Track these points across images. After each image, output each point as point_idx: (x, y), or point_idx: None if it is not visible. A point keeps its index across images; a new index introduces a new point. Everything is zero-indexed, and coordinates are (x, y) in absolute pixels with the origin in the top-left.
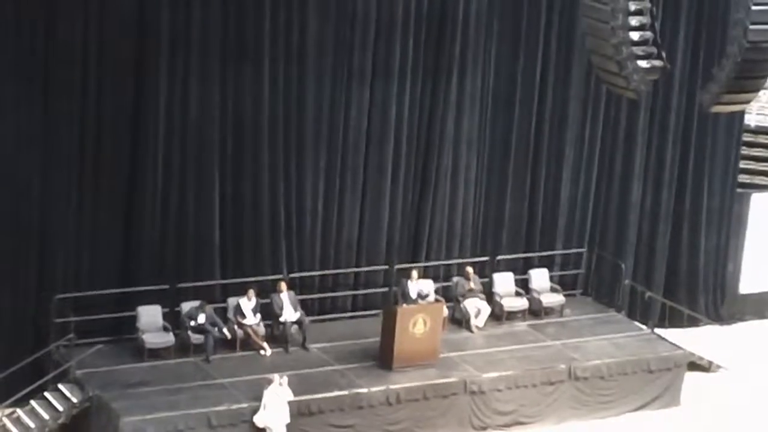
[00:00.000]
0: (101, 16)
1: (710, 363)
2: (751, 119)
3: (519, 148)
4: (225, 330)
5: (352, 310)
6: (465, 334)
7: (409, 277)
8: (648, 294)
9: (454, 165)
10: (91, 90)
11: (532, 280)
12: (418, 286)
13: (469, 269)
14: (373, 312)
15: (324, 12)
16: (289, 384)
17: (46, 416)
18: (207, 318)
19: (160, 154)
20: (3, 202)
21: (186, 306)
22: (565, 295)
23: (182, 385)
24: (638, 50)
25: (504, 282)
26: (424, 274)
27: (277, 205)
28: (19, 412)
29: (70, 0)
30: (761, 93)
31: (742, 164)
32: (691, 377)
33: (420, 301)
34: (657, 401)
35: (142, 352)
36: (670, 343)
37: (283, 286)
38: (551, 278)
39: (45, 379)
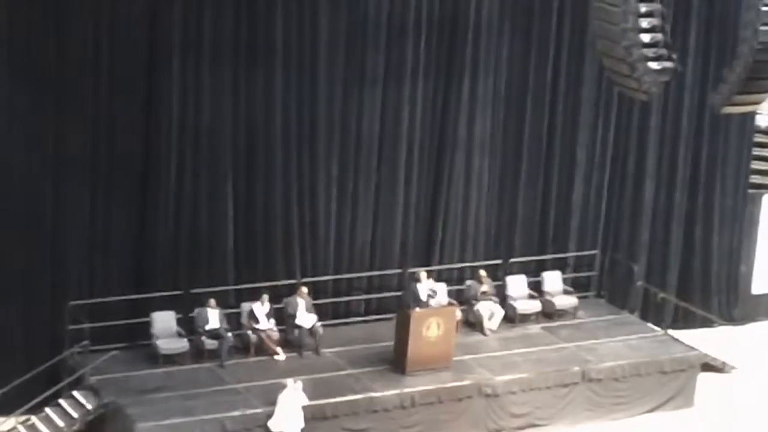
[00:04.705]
0: (114, 21)
1: (724, 364)
2: (762, 120)
3: (531, 150)
4: (229, 335)
5: (366, 314)
6: (478, 337)
7: (417, 279)
8: (661, 295)
9: (467, 168)
10: (103, 97)
11: (545, 282)
12: (428, 286)
13: (482, 272)
14: (386, 316)
15: (335, 16)
16: (304, 388)
17: (61, 423)
18: (219, 317)
19: (173, 159)
20: (16, 209)
21: (198, 311)
22: (578, 297)
23: (197, 390)
24: (649, 52)
25: (517, 285)
26: (437, 278)
27: (290, 209)
28: (34, 419)
29: (83, 5)
30: None
31: (754, 165)
32: (704, 378)
33: (431, 294)
34: (671, 402)
35: (156, 358)
36: (684, 344)
37: (304, 290)
38: (564, 280)
39: (60, 385)
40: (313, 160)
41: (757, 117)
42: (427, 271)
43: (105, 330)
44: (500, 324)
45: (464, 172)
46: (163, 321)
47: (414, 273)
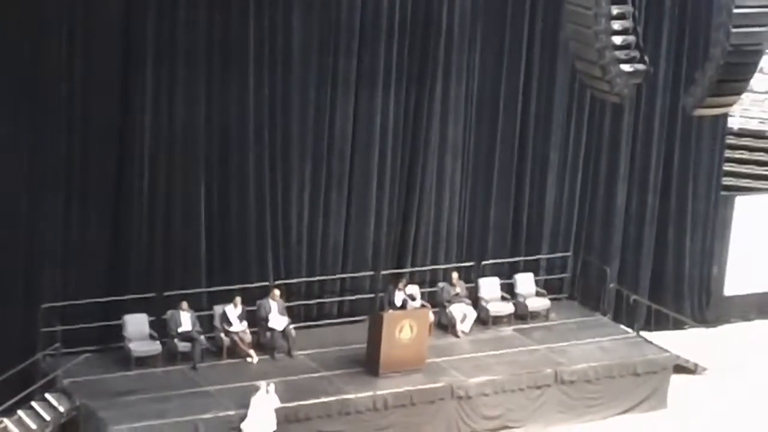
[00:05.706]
0: (86, 26)
1: (696, 365)
2: (734, 122)
3: (504, 153)
4: (202, 338)
5: (339, 317)
6: (451, 339)
7: (395, 284)
8: (633, 297)
9: (440, 171)
10: (77, 101)
11: (518, 284)
12: (406, 293)
13: (455, 274)
14: (359, 318)
15: (308, 21)
16: (276, 391)
17: (33, 426)
18: (191, 320)
19: (147, 162)
20: None
21: (170, 313)
22: (550, 300)
23: (169, 393)
24: (621, 54)
25: (490, 287)
26: (410, 280)
27: (263, 212)
28: (7, 422)
29: (55, 11)
30: (744, 95)
31: (726, 167)
32: (677, 380)
33: (410, 301)
34: (643, 404)
35: (129, 361)
36: (656, 346)
37: (276, 293)
38: (537, 282)
39: (32, 388)
40: (286, 164)
41: (730, 119)
42: (406, 277)
43: (77, 333)
44: (473, 326)
45: (437, 175)
46: (136, 324)
47: (392, 276)
